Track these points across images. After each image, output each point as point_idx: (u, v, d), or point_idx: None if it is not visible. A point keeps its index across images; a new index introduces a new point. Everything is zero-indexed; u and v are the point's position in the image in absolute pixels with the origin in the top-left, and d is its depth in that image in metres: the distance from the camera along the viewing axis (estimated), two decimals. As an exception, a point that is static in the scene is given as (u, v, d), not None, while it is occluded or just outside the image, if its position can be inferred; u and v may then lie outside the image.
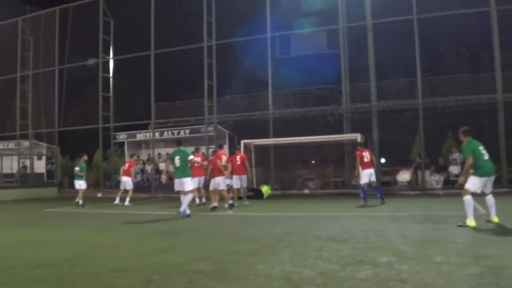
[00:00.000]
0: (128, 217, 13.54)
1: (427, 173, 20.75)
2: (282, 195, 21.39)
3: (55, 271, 6.25)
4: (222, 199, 14.99)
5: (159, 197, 22.45)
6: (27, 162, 30.84)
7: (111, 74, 27.79)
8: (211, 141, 24.12)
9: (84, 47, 28.55)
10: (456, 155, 19.72)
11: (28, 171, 30.47)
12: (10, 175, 30.04)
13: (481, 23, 20.28)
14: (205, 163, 16.33)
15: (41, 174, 31.51)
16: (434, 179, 20.60)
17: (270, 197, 20.08)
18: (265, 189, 20.24)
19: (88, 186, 27.02)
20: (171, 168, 14.42)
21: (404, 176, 21.40)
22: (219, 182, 14.83)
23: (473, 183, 9.10)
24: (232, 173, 16.70)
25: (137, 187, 25.28)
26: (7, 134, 30.68)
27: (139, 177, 26.98)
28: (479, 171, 9.15)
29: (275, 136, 22.59)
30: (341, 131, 21.66)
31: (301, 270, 5.76)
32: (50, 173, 31.25)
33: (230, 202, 14.73)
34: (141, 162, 27.94)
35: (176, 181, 13.00)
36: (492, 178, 9.28)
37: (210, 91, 24.53)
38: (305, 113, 22.23)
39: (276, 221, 11.78)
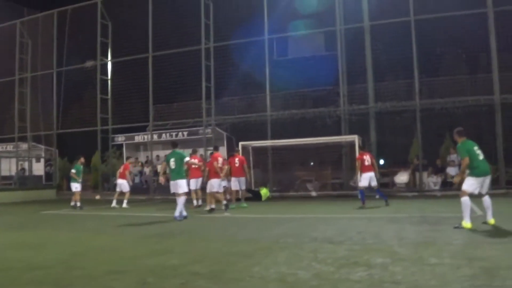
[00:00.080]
0: (125, 219, 13.56)
1: (424, 174, 20.77)
2: (280, 197, 21.40)
3: (51, 273, 6.27)
4: (218, 201, 15.00)
5: (157, 199, 22.46)
6: (26, 165, 30.85)
7: (109, 77, 27.80)
8: (209, 143, 24.11)
9: (82, 50, 28.56)
10: (453, 157, 19.72)
11: (27, 173, 30.48)
12: (9, 178, 30.07)
13: (478, 25, 20.34)
14: (201, 163, 16.35)
15: (40, 176, 31.58)
16: (431, 181, 20.63)
17: (269, 199, 20.09)
18: (264, 191, 20.24)
19: (87, 188, 27.31)
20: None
21: (402, 177, 21.42)
22: (214, 184, 14.85)
23: (470, 184, 9.12)
24: (230, 175, 16.77)
25: (136, 189, 25.39)
26: (5, 136, 30.73)
27: (137, 179, 27.04)
28: (475, 171, 9.18)
29: (273, 138, 22.60)
30: (339, 133, 21.68)
31: (296, 272, 5.78)
32: (48, 175, 31.31)
33: (224, 202, 14.72)
34: (140, 164, 27.99)
35: (172, 183, 13.02)
36: (488, 178, 9.30)
37: (208, 93, 24.54)
38: (303, 114, 22.27)
39: (274, 223, 11.82)
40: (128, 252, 7.83)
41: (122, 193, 18.49)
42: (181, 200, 12.64)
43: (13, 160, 30.39)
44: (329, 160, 23.26)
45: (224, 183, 15.85)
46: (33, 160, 31.11)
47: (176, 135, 26.53)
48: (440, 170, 20.63)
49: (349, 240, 8.08)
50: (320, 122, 21.90)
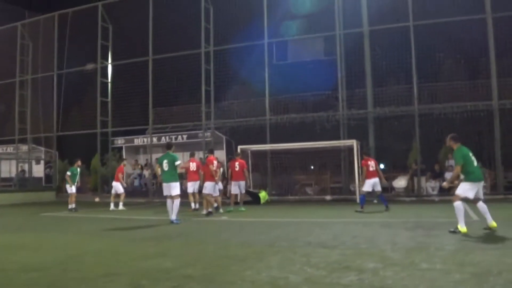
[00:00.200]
0: (122, 222, 13.63)
1: (423, 179, 20.81)
2: (279, 200, 21.45)
3: (46, 275, 6.34)
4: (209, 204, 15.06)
5: (156, 202, 22.48)
6: (26, 166, 30.89)
7: (109, 79, 27.87)
8: (208, 146, 24.16)
9: (82, 52, 28.61)
10: (452, 162, 19.60)
11: (27, 175, 30.52)
12: (9, 179, 30.13)
13: (477, 31, 20.40)
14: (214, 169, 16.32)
15: (40, 178, 31.60)
16: (430, 186, 20.67)
17: (267, 202, 20.14)
18: (263, 194, 20.31)
19: (87, 190, 27.39)
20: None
21: (400, 182, 21.46)
22: (207, 187, 14.92)
23: (464, 189, 9.19)
24: (231, 179, 16.82)
25: (135, 192, 25.53)
26: (5, 138, 30.76)
27: (136, 182, 27.11)
28: (470, 177, 9.24)
29: (272, 141, 22.64)
30: (337, 137, 21.71)
31: (287, 275, 5.84)
32: (48, 178, 31.33)
33: (209, 210, 14.80)
34: (139, 167, 28.06)
35: (164, 185, 13.00)
36: (482, 184, 9.38)
37: (207, 96, 24.60)
38: (302, 119, 22.32)
39: (270, 226, 11.86)
40: (124, 255, 7.89)
41: (118, 195, 18.61)
42: (176, 203, 12.65)
43: (13, 162, 30.46)
44: (328, 164, 23.30)
45: (219, 187, 15.88)
46: (33, 162, 31.17)
47: (176, 138, 26.61)
48: (438, 175, 20.66)
49: (342, 245, 8.13)
50: (319, 127, 21.93)
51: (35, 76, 29.96)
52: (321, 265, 6.41)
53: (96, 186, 27.65)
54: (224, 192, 20.94)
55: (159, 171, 14.61)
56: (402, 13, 20.83)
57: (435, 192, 20.19)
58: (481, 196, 9.34)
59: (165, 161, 12.94)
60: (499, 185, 19.51)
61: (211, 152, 16.50)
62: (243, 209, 16.47)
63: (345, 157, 22.08)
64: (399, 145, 22.21)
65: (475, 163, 9.37)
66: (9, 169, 30.25)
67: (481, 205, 9.25)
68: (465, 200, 9.34)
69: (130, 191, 25.62)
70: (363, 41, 22.12)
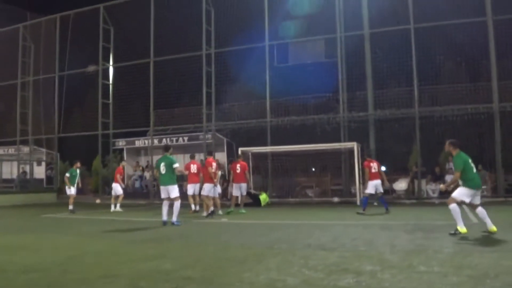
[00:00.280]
0: (122, 223, 13.67)
1: (423, 182, 20.82)
2: (280, 202, 21.47)
3: (46, 276, 6.37)
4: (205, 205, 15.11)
5: (156, 204, 22.45)
6: (27, 168, 30.96)
7: (110, 81, 27.95)
8: (209, 148, 24.20)
9: (84, 54, 28.71)
10: (452, 164, 19.74)
11: (28, 176, 30.58)
12: (10, 181, 30.13)
13: (477, 33, 20.41)
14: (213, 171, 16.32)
15: (41, 180, 31.65)
16: (430, 188, 20.68)
17: (268, 204, 20.16)
18: (263, 197, 20.33)
19: (88, 192, 27.42)
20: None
21: (401, 185, 21.48)
22: (205, 188, 14.96)
23: (461, 193, 9.23)
24: (233, 181, 16.85)
25: (136, 194, 25.58)
26: (7, 139, 30.81)
27: (137, 184, 27.16)
28: (469, 183, 9.28)
29: (272, 144, 22.67)
30: (338, 140, 21.70)
31: (285, 278, 5.86)
32: (49, 179, 31.38)
33: (204, 214, 14.87)
34: (140, 168, 28.11)
35: (162, 188, 12.97)
36: (479, 191, 9.43)
37: (208, 98, 24.65)
38: (303, 121, 22.36)
39: (270, 229, 11.89)
40: (124, 256, 7.93)
41: (117, 197, 18.73)
42: (177, 205, 12.63)
43: (15, 163, 30.47)
44: (329, 166, 23.32)
45: (218, 189, 15.86)
46: (34, 164, 31.22)
47: (177, 140, 26.65)
48: (439, 177, 20.66)
49: (341, 247, 8.17)
50: (320, 129, 21.96)
51: (37, 78, 30.04)
52: (319, 267, 6.43)
53: (97, 188, 27.69)
54: (225, 194, 21.00)
55: (156, 173, 14.59)
56: (402, 15, 20.87)
57: (436, 195, 20.20)
58: (478, 202, 9.37)
59: (162, 164, 12.86)
60: (500, 188, 19.52)
61: (210, 154, 16.51)
62: (243, 211, 16.49)
63: (346, 159, 22.09)
64: (399, 148, 22.23)
65: (474, 170, 9.42)
66: (10, 170, 30.24)
67: (480, 210, 9.28)
68: (460, 203, 9.37)
69: (131, 193, 25.75)
70: (364, 44, 22.15)
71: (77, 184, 18.75)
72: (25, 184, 29.75)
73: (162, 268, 6.68)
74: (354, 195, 20.28)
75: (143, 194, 25.72)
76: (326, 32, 22.90)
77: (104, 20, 27.32)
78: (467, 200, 9.25)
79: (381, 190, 15.10)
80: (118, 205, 18.54)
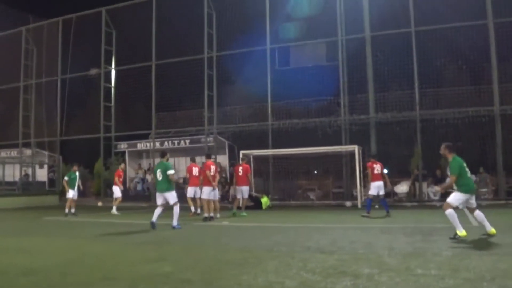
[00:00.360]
0: (123, 226, 13.71)
1: (424, 184, 20.83)
2: (281, 205, 21.48)
3: (46, 278, 6.42)
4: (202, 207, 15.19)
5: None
6: (29, 171, 31.07)
7: (113, 84, 28.04)
8: (211, 151, 24.23)
9: (86, 57, 28.82)
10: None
11: (30, 179, 30.69)
12: (12, 183, 30.26)
13: (478, 36, 20.43)
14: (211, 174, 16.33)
15: (43, 183, 31.75)
16: (431, 191, 20.68)
17: (269, 207, 20.18)
18: (265, 200, 20.35)
19: (90, 194, 27.50)
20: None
21: (402, 187, 21.49)
22: (204, 191, 14.98)
23: (456, 199, 9.28)
24: (236, 184, 16.89)
25: (138, 197, 25.65)
26: (9, 142, 30.96)
27: (139, 187, 27.23)
28: (464, 188, 9.33)
29: (274, 147, 22.72)
30: (339, 143, 21.74)
31: (283, 280, 5.90)
32: (52, 182, 31.49)
33: (211, 214, 14.84)
34: (142, 171, 28.19)
35: (158, 194, 12.78)
36: (474, 195, 9.48)
37: (210, 101, 24.74)
38: (304, 124, 22.39)
39: (270, 231, 11.92)
40: (123, 259, 7.98)
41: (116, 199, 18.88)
42: (176, 209, 12.55)
43: (17, 166, 30.59)
44: (330, 169, 23.34)
45: (217, 193, 15.82)
46: (37, 166, 31.35)
47: (178, 143, 26.74)
48: (440, 180, 20.59)
49: (340, 250, 8.19)
50: (321, 132, 21.97)
51: (39, 81, 30.18)
52: (317, 270, 6.47)
53: (99, 191, 27.77)
54: (226, 197, 21.04)
55: (153, 179, 14.53)
56: (403, 18, 20.91)
57: (437, 197, 20.18)
58: (474, 205, 9.42)
59: (158, 171, 12.67)
60: (501, 191, 19.52)
61: (208, 157, 16.40)
62: (244, 214, 16.51)
63: (347, 162, 22.11)
64: (400, 151, 22.22)
65: (469, 174, 9.48)
66: (12, 173, 30.38)
67: (478, 213, 9.34)
68: (456, 208, 9.41)
69: (133, 195, 25.82)
70: (365, 47, 22.18)
71: (78, 186, 18.77)
72: (27, 186, 29.86)
73: (162, 270, 6.72)
74: (356, 198, 20.30)
75: (145, 197, 25.76)
76: (327, 35, 22.96)
77: (106, 24, 27.45)
78: (461, 206, 9.37)
79: (382, 192, 15.10)
80: (114, 207, 18.60)
